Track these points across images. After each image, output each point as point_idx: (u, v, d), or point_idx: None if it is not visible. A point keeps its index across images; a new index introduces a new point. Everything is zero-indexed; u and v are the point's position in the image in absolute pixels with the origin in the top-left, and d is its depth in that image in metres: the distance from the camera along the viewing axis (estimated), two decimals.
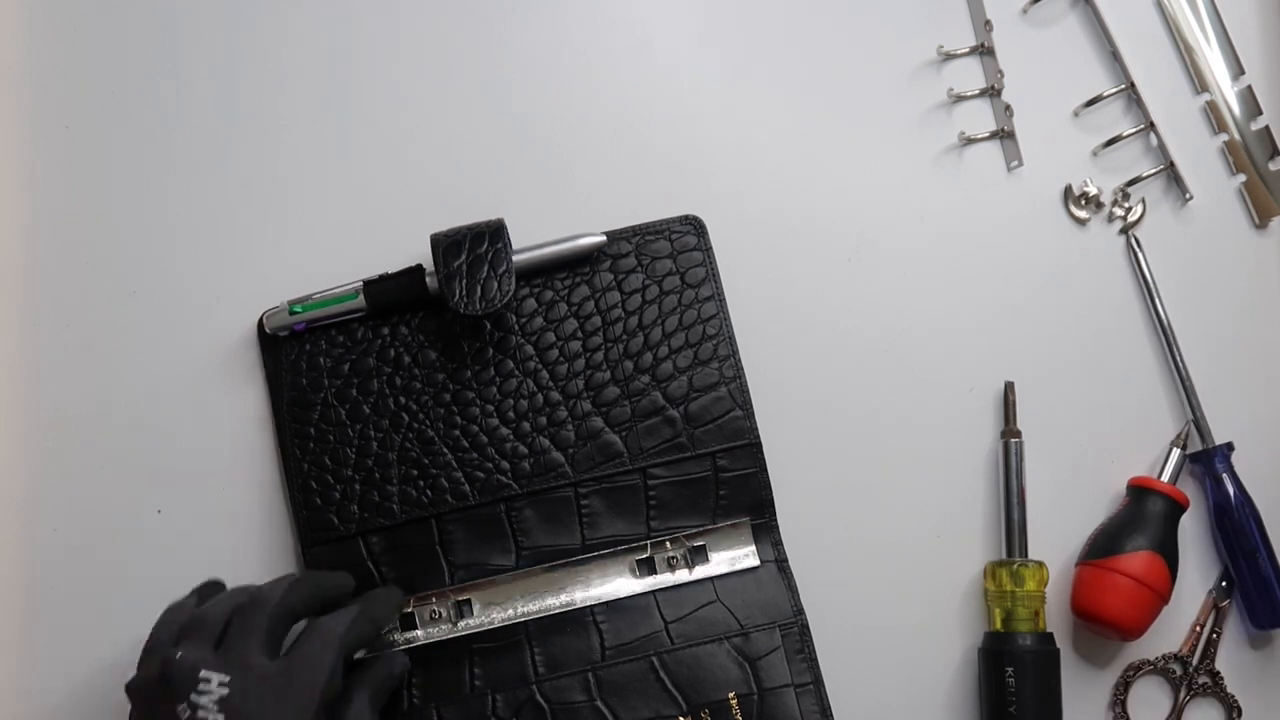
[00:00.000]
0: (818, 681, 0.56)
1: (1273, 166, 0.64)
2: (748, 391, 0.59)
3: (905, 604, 0.59)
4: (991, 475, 0.61)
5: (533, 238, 0.59)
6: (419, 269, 0.57)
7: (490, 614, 0.55)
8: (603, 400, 0.58)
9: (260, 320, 0.58)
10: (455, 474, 0.57)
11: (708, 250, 0.60)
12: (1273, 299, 0.63)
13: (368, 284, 0.57)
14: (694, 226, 0.60)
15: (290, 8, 0.62)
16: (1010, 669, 0.56)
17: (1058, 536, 0.60)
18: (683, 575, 0.57)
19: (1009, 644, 0.57)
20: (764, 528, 0.58)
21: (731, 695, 0.54)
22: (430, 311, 0.58)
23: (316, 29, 0.62)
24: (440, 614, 0.55)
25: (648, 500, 0.57)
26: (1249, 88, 0.64)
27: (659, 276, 0.59)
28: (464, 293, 0.56)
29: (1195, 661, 0.60)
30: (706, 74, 0.63)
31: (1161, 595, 0.57)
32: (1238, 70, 0.64)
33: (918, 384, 0.61)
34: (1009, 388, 0.61)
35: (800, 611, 0.57)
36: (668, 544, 0.57)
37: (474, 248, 0.56)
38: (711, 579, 0.57)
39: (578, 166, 0.62)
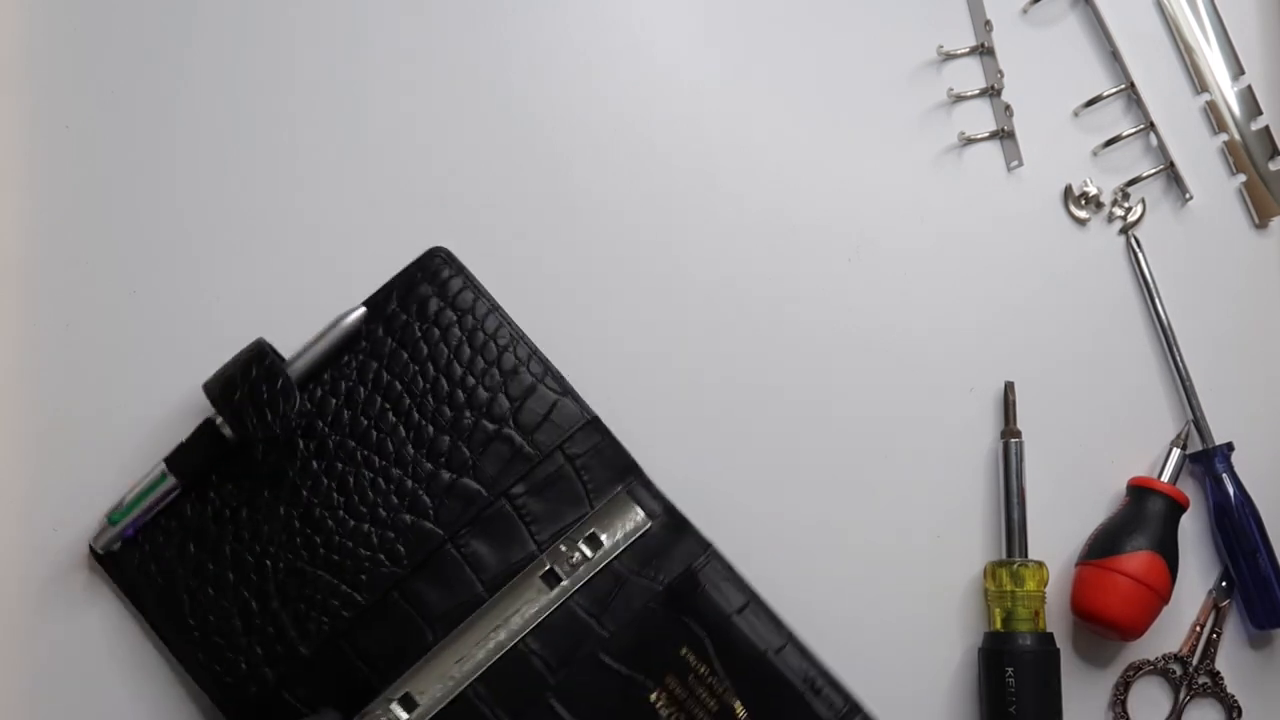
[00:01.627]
0: (755, 598, 0.56)
1: (1273, 166, 0.64)
2: (563, 378, 0.59)
3: (905, 604, 0.59)
4: (991, 475, 0.61)
5: (536, 237, 0.59)
6: (209, 423, 0.57)
7: (434, 693, 0.55)
8: (437, 452, 0.58)
9: (90, 546, 0.57)
10: (339, 588, 0.56)
11: (463, 273, 0.60)
12: (1273, 299, 0.63)
13: (170, 460, 0.56)
14: (441, 258, 0.60)
15: (290, 6, 0.62)
16: (1010, 669, 0.56)
17: (1058, 536, 0.60)
18: (587, 569, 0.57)
19: (1009, 644, 0.57)
20: (637, 487, 0.58)
21: (684, 650, 0.55)
22: (239, 455, 0.57)
23: (317, 27, 0.62)
24: (391, 717, 0.55)
25: (523, 519, 0.57)
26: (1249, 88, 0.64)
27: (431, 317, 0.59)
28: (256, 423, 0.55)
29: (1195, 661, 0.60)
30: (706, 74, 0.63)
31: (1161, 595, 0.57)
32: (1238, 70, 0.64)
33: (918, 384, 0.61)
34: (1009, 388, 0.61)
35: (708, 545, 0.57)
36: (561, 548, 0.57)
37: (245, 377, 0.55)
38: (615, 558, 0.57)
39: (577, 166, 0.62)
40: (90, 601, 0.57)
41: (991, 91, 0.64)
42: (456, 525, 0.57)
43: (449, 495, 0.57)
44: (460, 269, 0.60)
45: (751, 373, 0.60)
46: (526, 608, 0.56)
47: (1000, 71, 0.63)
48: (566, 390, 0.59)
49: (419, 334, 0.59)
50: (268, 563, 0.57)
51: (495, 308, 0.59)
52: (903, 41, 0.64)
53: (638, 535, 0.57)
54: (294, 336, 0.59)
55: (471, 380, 0.58)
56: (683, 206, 0.61)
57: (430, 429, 0.58)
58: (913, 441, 0.61)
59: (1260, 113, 0.64)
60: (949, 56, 0.64)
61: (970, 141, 0.63)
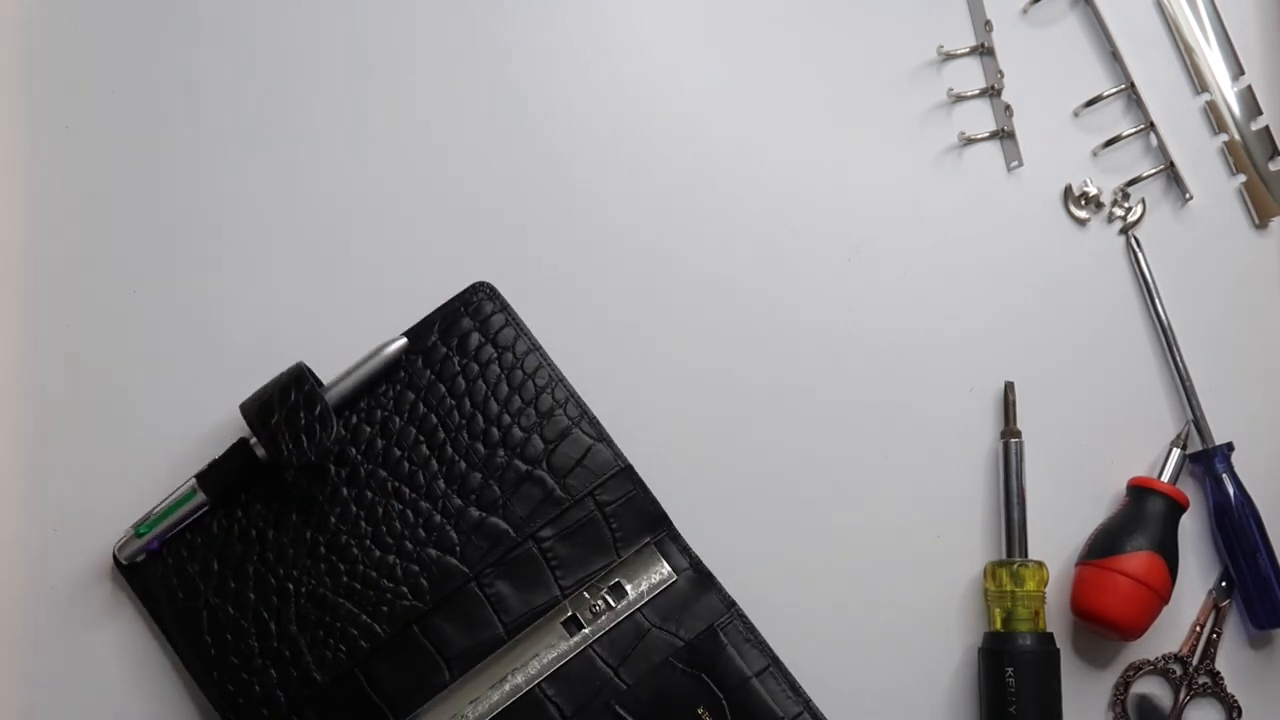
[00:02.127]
0: (775, 661, 0.56)
1: (1273, 166, 0.64)
2: (599, 423, 0.58)
3: (905, 604, 0.59)
4: (991, 475, 0.61)
5: (536, 243, 0.59)
6: (243, 443, 0.57)
7: None
8: (469, 489, 0.57)
9: (114, 554, 0.56)
10: (360, 618, 0.56)
11: (507, 309, 0.59)
12: (1273, 299, 0.63)
13: (201, 478, 0.56)
14: (486, 292, 0.59)
15: (291, 6, 0.62)
16: (1010, 669, 0.56)
17: (1058, 536, 0.60)
18: (609, 618, 0.56)
19: (1009, 644, 0.57)
20: (666, 541, 0.58)
21: (700, 709, 0.55)
22: (272, 477, 0.57)
23: (317, 27, 0.62)
24: None
25: (549, 563, 0.57)
26: (1249, 88, 0.64)
27: (472, 352, 0.59)
28: (290, 446, 0.55)
29: (1195, 661, 0.60)
30: (706, 75, 0.63)
31: (1161, 595, 0.57)
32: (1238, 70, 0.64)
33: (918, 384, 0.61)
34: (1009, 388, 0.61)
35: (732, 604, 0.57)
36: (585, 595, 0.57)
37: (283, 401, 0.55)
38: (638, 609, 0.57)
39: (576, 166, 0.62)
40: (109, 611, 0.57)
41: (991, 91, 0.64)
42: (482, 564, 0.56)
43: (476, 533, 0.57)
44: (503, 305, 0.59)
45: (750, 372, 0.60)
46: (546, 653, 0.56)
47: (1000, 71, 0.63)
48: (602, 436, 0.58)
49: (458, 368, 0.58)
50: (290, 586, 0.56)
51: (536, 347, 0.59)
52: (903, 41, 0.64)
53: (663, 588, 0.57)
54: (294, 334, 0.59)
55: (507, 419, 0.58)
56: (682, 207, 0.61)
57: (462, 465, 0.57)
58: (913, 441, 0.61)
59: (1260, 113, 0.64)
60: (949, 56, 0.64)
61: (970, 141, 0.63)
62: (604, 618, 0.56)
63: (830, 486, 0.60)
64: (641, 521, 0.58)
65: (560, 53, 0.63)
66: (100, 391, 0.59)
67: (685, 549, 0.58)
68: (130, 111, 0.61)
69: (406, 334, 0.58)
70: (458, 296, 0.59)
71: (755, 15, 0.64)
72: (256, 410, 0.55)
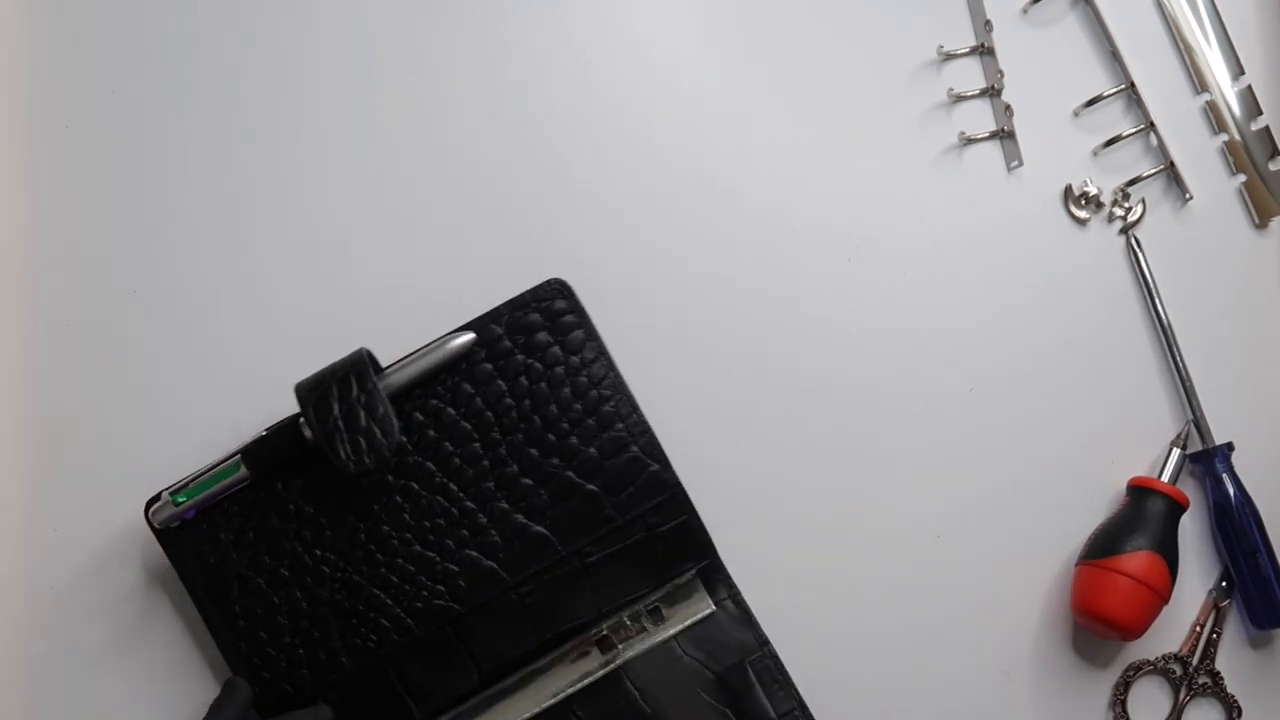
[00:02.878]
0: (801, 705, 0.56)
1: (1273, 166, 0.64)
2: (658, 444, 0.57)
3: (905, 604, 0.59)
4: (991, 475, 0.61)
5: (539, 248, 0.59)
6: (294, 424, 0.55)
7: None
8: (518, 494, 0.56)
9: (147, 517, 0.55)
10: (393, 611, 0.55)
11: (579, 311, 0.57)
12: (1272, 299, 0.63)
13: (245, 453, 0.55)
14: (560, 290, 0.57)
15: (290, 7, 0.62)
16: None
17: (1058, 536, 0.60)
18: (643, 642, 0.56)
19: None
20: (710, 570, 0.57)
21: None
22: (319, 456, 0.55)
23: (317, 26, 0.62)
24: None
25: (590, 580, 0.56)
26: (1249, 88, 0.64)
27: (538, 352, 0.56)
28: (349, 451, 0.53)
29: (1195, 661, 0.60)
30: (706, 75, 0.63)
31: (1161, 595, 0.57)
32: (1238, 70, 0.64)
33: (918, 384, 0.61)
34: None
35: (765, 642, 0.56)
36: (623, 617, 0.56)
37: (344, 395, 0.53)
38: (672, 637, 0.56)
39: (575, 167, 0.62)
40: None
41: (991, 91, 0.64)
42: (523, 573, 0.55)
43: (520, 540, 0.55)
44: (577, 306, 0.57)
45: (749, 371, 0.60)
46: (577, 670, 0.56)
47: (1000, 71, 0.63)
48: (659, 458, 0.56)
49: (522, 367, 0.56)
50: (325, 569, 0.55)
51: (604, 353, 0.57)
52: (903, 41, 0.64)
53: (700, 619, 0.56)
54: (291, 336, 0.59)
55: (566, 426, 0.56)
56: (681, 207, 0.61)
57: (514, 467, 0.56)
58: (912, 441, 0.61)
59: (1260, 113, 0.64)
60: (949, 56, 0.64)
61: (970, 141, 0.63)
62: (638, 640, 0.56)
63: (827, 486, 0.60)
64: (688, 549, 0.56)
65: (560, 52, 0.63)
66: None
67: (728, 581, 0.57)
68: (130, 111, 0.61)
69: (471, 325, 0.57)
70: (530, 291, 0.57)
71: (755, 15, 0.64)
72: (315, 400, 0.53)
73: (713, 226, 0.61)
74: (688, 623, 0.56)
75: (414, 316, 0.59)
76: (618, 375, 0.57)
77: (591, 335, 0.57)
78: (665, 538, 0.56)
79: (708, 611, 0.56)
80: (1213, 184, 0.64)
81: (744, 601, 0.57)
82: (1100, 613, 0.57)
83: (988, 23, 0.63)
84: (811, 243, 0.62)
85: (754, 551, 0.58)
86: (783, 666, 0.56)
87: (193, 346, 0.59)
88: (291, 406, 0.55)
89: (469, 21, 0.63)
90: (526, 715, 0.55)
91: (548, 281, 0.57)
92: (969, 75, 0.64)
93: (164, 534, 0.55)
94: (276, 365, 0.59)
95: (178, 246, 0.60)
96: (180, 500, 0.54)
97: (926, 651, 0.59)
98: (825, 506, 0.60)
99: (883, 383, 0.61)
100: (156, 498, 0.55)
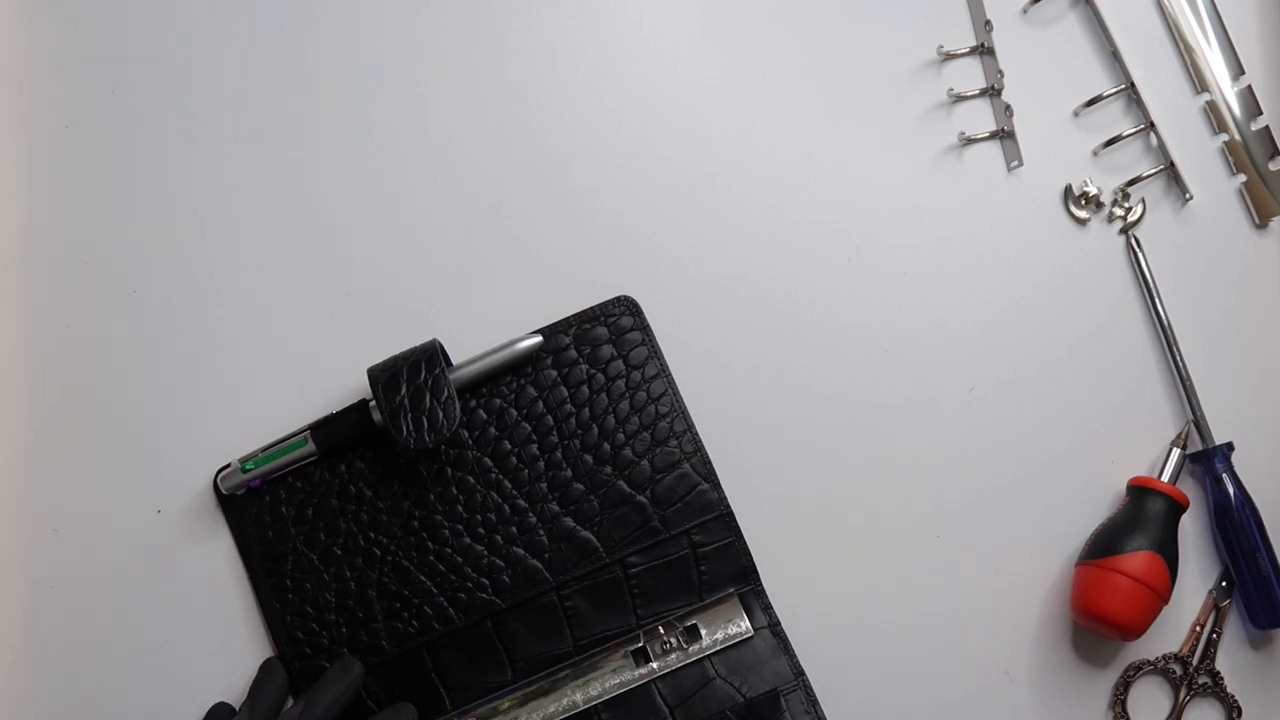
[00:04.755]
0: None
1: (1273, 166, 0.64)
2: (710, 463, 0.58)
3: (905, 603, 0.59)
4: (991, 475, 0.61)
5: (538, 254, 0.59)
6: (363, 405, 0.57)
7: None
8: (569, 498, 0.57)
9: (215, 481, 0.57)
10: (437, 599, 0.56)
11: (645, 329, 0.59)
12: (1273, 299, 0.63)
13: (314, 429, 0.57)
14: (628, 307, 0.59)
15: (291, 7, 0.62)
16: None
17: (1058, 536, 0.60)
18: (678, 658, 0.56)
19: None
20: (751, 595, 0.57)
21: None
22: (382, 441, 0.58)
23: (316, 27, 0.62)
24: None
25: (631, 590, 0.57)
26: (1249, 88, 0.64)
27: (602, 364, 0.59)
28: (411, 428, 0.55)
29: (1195, 661, 0.60)
30: (706, 75, 0.63)
31: (1161, 595, 0.57)
32: (1238, 70, 0.64)
33: (918, 384, 0.61)
34: None
35: (800, 672, 0.57)
36: (659, 629, 0.57)
37: (412, 378, 0.55)
38: (708, 656, 0.56)
39: (575, 168, 0.62)
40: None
41: (991, 91, 0.64)
42: (566, 576, 0.57)
43: (567, 544, 0.57)
44: (643, 324, 0.59)
45: (748, 370, 0.60)
46: (610, 677, 0.56)
47: (1000, 71, 0.63)
48: (710, 477, 0.58)
49: (585, 376, 0.58)
50: (376, 551, 0.57)
51: (666, 373, 0.59)
52: (903, 41, 0.64)
53: (736, 641, 0.57)
54: (292, 336, 0.59)
55: (621, 438, 0.58)
56: (681, 207, 0.61)
57: (568, 472, 0.57)
58: (912, 441, 0.61)
59: (1260, 113, 0.64)
60: (949, 56, 0.64)
61: (970, 141, 0.63)
62: (673, 656, 0.56)
63: (827, 486, 0.60)
64: (731, 570, 0.57)
65: (560, 52, 0.63)
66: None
67: (768, 607, 0.57)
68: (130, 111, 0.61)
69: (541, 331, 0.59)
70: (598, 305, 0.59)
71: (755, 15, 0.64)
72: (385, 381, 0.55)
73: (711, 227, 0.61)
74: (724, 645, 0.56)
75: (403, 327, 0.59)
76: (677, 394, 0.59)
77: (654, 353, 0.59)
78: (709, 557, 0.57)
79: (745, 635, 0.57)
80: (1213, 184, 0.64)
81: (782, 630, 0.57)
82: (1100, 613, 0.57)
83: (988, 23, 0.63)
84: (812, 242, 0.62)
85: (753, 551, 0.58)
86: (816, 700, 0.56)
87: (193, 346, 0.59)
88: (296, 407, 0.57)
89: (468, 21, 0.63)
90: (556, 717, 0.55)
91: (616, 298, 0.60)
92: (969, 75, 0.64)
93: (228, 500, 0.57)
94: (277, 365, 0.59)
95: (178, 246, 0.60)
96: (249, 467, 0.56)
97: (926, 651, 0.59)
98: (824, 506, 0.60)
99: (882, 382, 0.61)
100: (226, 466, 0.57)
